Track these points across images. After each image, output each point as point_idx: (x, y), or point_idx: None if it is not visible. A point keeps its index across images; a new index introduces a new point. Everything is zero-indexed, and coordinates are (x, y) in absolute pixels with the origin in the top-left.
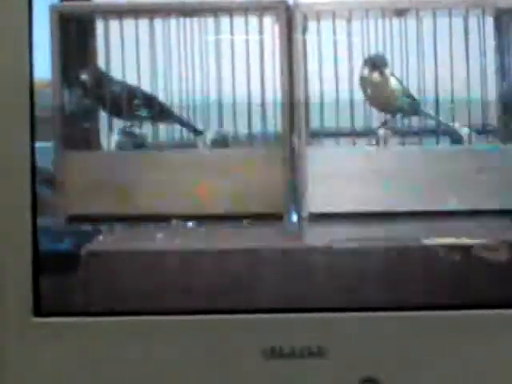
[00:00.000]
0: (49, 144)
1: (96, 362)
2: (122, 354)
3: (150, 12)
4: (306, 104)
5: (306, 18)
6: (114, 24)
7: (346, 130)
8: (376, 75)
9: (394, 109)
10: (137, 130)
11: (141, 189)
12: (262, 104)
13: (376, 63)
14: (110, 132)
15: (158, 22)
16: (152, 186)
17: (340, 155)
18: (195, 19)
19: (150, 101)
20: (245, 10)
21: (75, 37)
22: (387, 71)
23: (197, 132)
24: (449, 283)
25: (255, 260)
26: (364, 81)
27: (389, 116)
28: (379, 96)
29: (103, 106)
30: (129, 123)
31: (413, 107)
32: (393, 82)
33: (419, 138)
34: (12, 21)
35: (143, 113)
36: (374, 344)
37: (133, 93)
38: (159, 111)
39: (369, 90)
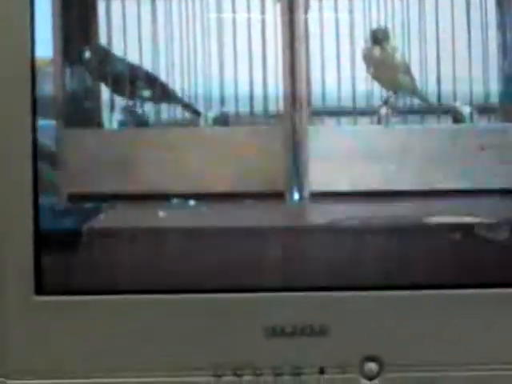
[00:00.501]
0: (50, 122)
1: (98, 339)
2: (124, 332)
3: None
4: (308, 83)
5: None
6: (115, 2)
7: (347, 108)
8: (378, 48)
9: (395, 85)
10: (139, 109)
11: (142, 167)
12: (264, 83)
13: (378, 36)
14: (112, 110)
15: (160, 1)
16: (153, 165)
17: (341, 134)
18: None
19: (151, 80)
20: None
21: (77, 15)
22: (390, 45)
23: (197, 113)
24: (450, 262)
25: (257, 239)
26: (367, 54)
27: (390, 94)
28: (382, 70)
29: (106, 83)
30: (131, 102)
31: (414, 87)
32: (396, 57)
33: (421, 116)
34: None
35: (145, 92)
36: (376, 322)
37: (135, 72)
38: (161, 91)
39: (371, 64)
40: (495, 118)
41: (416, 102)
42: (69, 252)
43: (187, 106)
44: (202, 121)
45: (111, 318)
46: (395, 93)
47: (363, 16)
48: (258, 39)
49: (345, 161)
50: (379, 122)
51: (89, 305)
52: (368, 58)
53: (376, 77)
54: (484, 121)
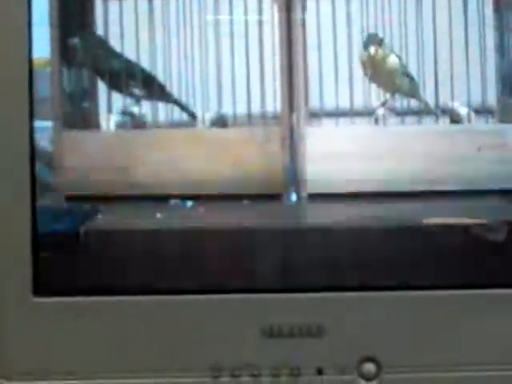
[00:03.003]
0: (48, 123)
1: (96, 341)
2: (122, 333)
3: None
4: (306, 84)
5: None
6: (113, 3)
7: (345, 109)
8: (375, 52)
9: (393, 87)
10: (136, 110)
11: (140, 168)
12: (261, 84)
13: (376, 39)
14: (110, 112)
15: (158, 2)
16: (151, 166)
17: (339, 135)
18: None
19: (148, 80)
20: None
21: (74, 16)
22: (386, 48)
23: (193, 116)
24: (448, 263)
25: (254, 240)
26: (364, 57)
27: (388, 95)
28: (379, 74)
29: (103, 81)
30: (128, 102)
31: (412, 88)
32: (392, 60)
33: (418, 117)
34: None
35: (142, 92)
36: (374, 323)
37: (132, 70)
38: (158, 91)
39: (369, 68)
40: (493, 119)
41: (414, 102)
42: (67, 253)
43: (184, 108)
44: (199, 122)
45: (109, 319)
46: (393, 95)
47: (361, 17)
48: (255, 40)
49: (343, 162)
50: (377, 123)
51: (87, 306)
52: (365, 61)
53: (373, 79)
54: (482, 122)
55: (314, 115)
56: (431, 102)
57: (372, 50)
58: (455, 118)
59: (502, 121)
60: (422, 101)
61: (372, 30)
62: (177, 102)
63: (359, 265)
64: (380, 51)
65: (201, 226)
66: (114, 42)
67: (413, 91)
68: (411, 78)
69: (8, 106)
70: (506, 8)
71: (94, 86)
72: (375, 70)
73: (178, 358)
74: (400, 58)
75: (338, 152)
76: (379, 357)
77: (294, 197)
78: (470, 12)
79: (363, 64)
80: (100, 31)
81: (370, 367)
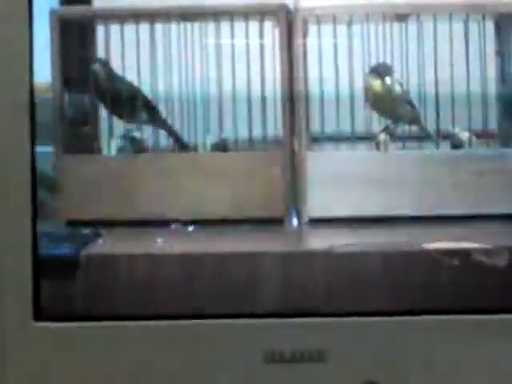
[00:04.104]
0: (49, 148)
1: (96, 366)
2: (123, 359)
3: (151, 16)
4: (307, 108)
5: (306, 22)
6: (114, 28)
7: (346, 134)
8: (380, 84)
9: (395, 116)
10: (137, 135)
11: (140, 193)
12: (263, 108)
13: (381, 72)
14: (111, 136)
15: (159, 27)
16: (152, 190)
17: (340, 159)
18: (196, 23)
19: (149, 105)
20: (245, 14)
21: (75, 41)
22: (392, 79)
23: (183, 145)
24: (449, 288)
25: (255, 264)
26: (368, 89)
27: (390, 122)
28: (382, 105)
29: (105, 105)
30: (129, 127)
31: (413, 116)
32: (396, 90)
33: (419, 142)
34: (12, 25)
35: (143, 117)
36: (375, 348)
37: (135, 95)
38: (158, 117)
39: (372, 99)
40: (494, 144)
41: (415, 127)
42: (67, 278)
43: (176, 138)
44: (200, 146)
45: (109, 344)
46: (395, 123)
47: (362, 42)
48: (256, 64)
49: (344, 186)
50: (378, 148)
51: (87, 331)
52: (369, 90)
53: (375, 108)
54: (483, 147)
55: (315, 140)
56: (432, 127)
57: (380, 80)
58: (456, 143)
59: (504, 145)
60: (424, 128)
61: (373, 56)
62: (170, 130)
63: (360, 289)
64: (388, 82)
65: (201, 251)
66: (115, 66)
67: (414, 119)
68: (413, 106)
69: (9, 130)
70: (506, 35)
71: (95, 111)
72: (378, 99)
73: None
74: (402, 86)
75: (338, 176)
76: (380, 382)
77: (295, 221)
78: (471, 38)
79: (366, 91)
80: (101, 55)
81: None
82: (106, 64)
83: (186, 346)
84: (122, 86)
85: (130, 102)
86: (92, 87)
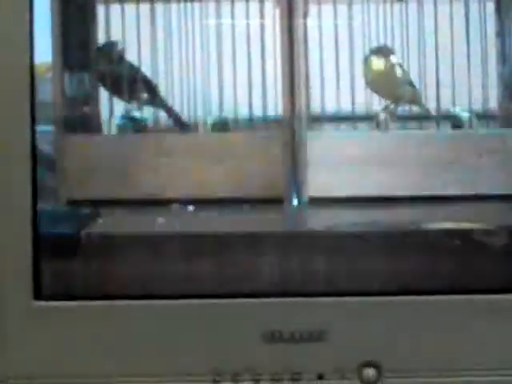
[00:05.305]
0: (49, 127)
1: (96, 344)
2: (123, 337)
3: None
4: (307, 88)
5: (306, 2)
6: (114, 8)
7: (346, 114)
8: (380, 64)
9: (395, 96)
10: (137, 114)
11: (141, 173)
12: (263, 88)
13: (382, 52)
14: (111, 116)
15: (159, 7)
16: (152, 170)
17: (340, 139)
18: (196, 3)
19: (150, 84)
20: None
21: (76, 20)
22: (393, 60)
23: (184, 125)
24: (449, 268)
25: (255, 244)
26: (368, 70)
27: (389, 102)
28: (382, 85)
29: (105, 86)
30: (130, 107)
31: (413, 96)
32: (397, 71)
33: (420, 122)
34: (12, 5)
35: (143, 97)
36: (375, 328)
37: (134, 75)
38: (159, 97)
39: (372, 79)
40: (494, 124)
41: (415, 108)
42: (67, 257)
43: (176, 117)
44: (201, 126)
45: (110, 322)
46: (395, 103)
47: (362, 22)
48: (257, 44)
49: (344, 166)
50: (378, 128)
51: (87, 310)
52: (369, 71)
53: (375, 89)
54: (483, 127)
55: (316, 119)
56: (433, 107)
57: (381, 62)
58: (457, 123)
59: (504, 126)
60: (424, 108)
61: (374, 36)
62: (170, 110)
63: (360, 270)
64: (388, 63)
65: (201, 231)
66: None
67: (415, 99)
68: (413, 87)
69: (10, 110)
70: (507, 15)
71: (96, 91)
72: (378, 80)
73: (179, 363)
74: (403, 67)
75: (339, 156)
76: (380, 362)
77: (295, 201)
78: (471, 18)
79: (366, 73)
80: (101, 36)
81: (370, 372)
82: (103, 46)
83: (185, 325)
84: (122, 66)
85: (130, 82)
86: (92, 67)
